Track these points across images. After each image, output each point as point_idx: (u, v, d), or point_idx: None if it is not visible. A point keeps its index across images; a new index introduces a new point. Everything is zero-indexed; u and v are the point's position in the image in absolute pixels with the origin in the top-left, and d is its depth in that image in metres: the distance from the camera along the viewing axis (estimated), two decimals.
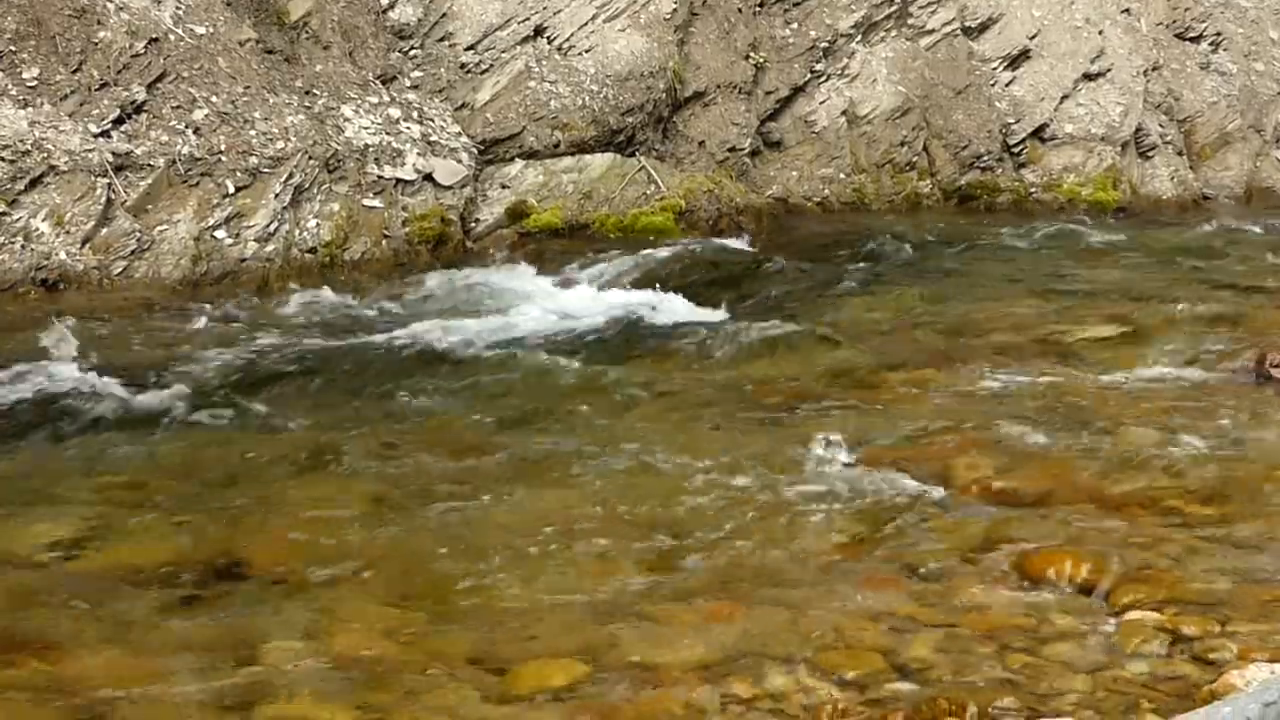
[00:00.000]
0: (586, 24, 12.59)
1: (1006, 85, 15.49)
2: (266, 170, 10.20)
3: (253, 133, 10.30)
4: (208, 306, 9.28)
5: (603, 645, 4.71)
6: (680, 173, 12.75)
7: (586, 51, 12.55)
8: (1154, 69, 16.66)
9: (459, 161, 11.38)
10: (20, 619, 4.90)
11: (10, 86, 9.60)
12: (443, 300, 9.89)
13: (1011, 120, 15.36)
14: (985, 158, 14.99)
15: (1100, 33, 16.06)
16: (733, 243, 11.78)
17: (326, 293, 9.75)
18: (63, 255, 9.28)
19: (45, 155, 9.38)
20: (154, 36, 10.26)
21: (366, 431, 6.98)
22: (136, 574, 5.28)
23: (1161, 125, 16.55)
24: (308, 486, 6.19)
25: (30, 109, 9.57)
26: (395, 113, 11.42)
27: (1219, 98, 17.28)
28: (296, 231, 10.26)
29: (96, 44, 10.02)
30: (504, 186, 11.83)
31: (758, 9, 14.14)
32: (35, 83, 9.70)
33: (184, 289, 9.56)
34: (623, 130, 12.44)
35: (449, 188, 11.24)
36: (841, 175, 14.10)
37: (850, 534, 5.68)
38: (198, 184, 9.96)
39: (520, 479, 6.29)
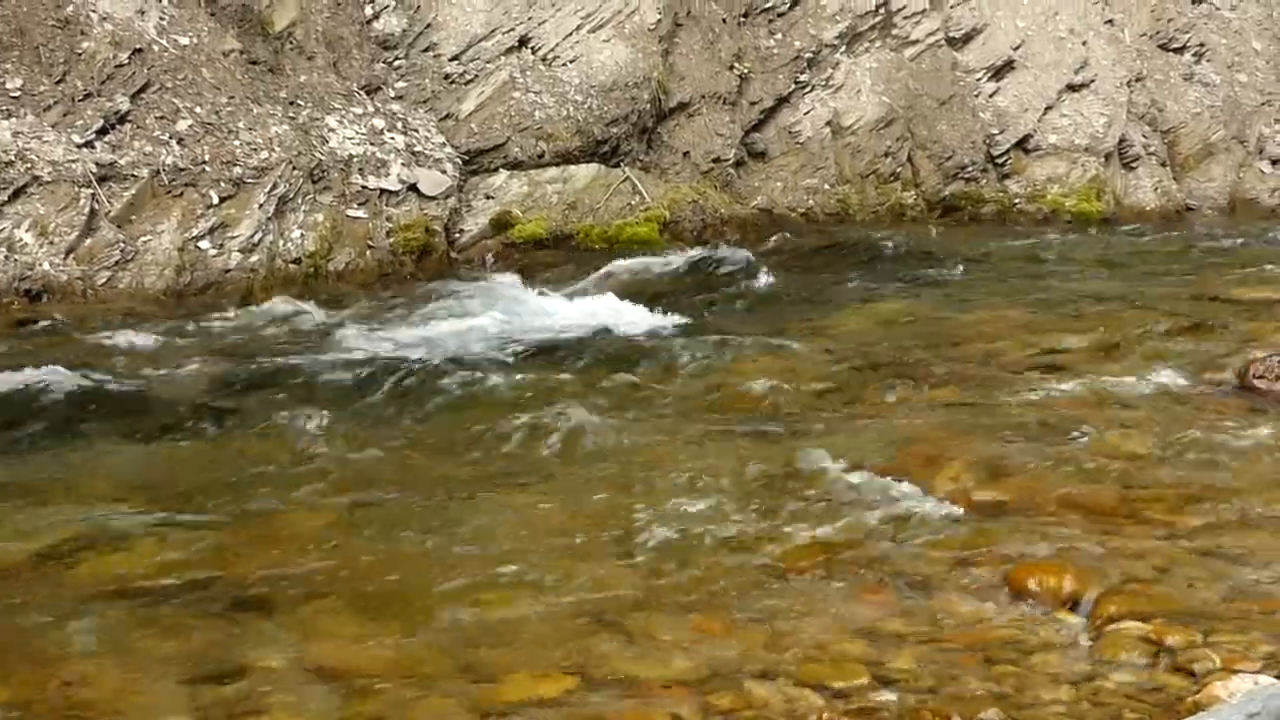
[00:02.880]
0: (571, 34, 12.61)
1: (990, 96, 15.53)
2: (251, 180, 10.19)
3: (237, 143, 10.29)
4: (191, 317, 9.26)
5: (588, 658, 4.70)
6: (665, 183, 12.76)
7: (571, 62, 12.56)
8: (1137, 80, 16.71)
9: (443, 172, 11.38)
10: (4, 630, 4.88)
11: None
12: (426, 311, 9.88)
13: (995, 131, 15.40)
14: (969, 168, 15.03)
15: (1084, 44, 16.12)
16: (717, 253, 11.78)
17: (310, 303, 9.74)
18: (46, 266, 9.26)
19: (29, 166, 9.37)
20: (138, 47, 10.25)
21: (349, 443, 6.97)
22: (120, 586, 5.26)
23: (1145, 136, 16.61)
24: (292, 498, 6.17)
25: (14, 119, 9.55)
26: (379, 123, 11.42)
27: (1202, 109, 17.34)
28: (281, 242, 10.25)
29: (80, 55, 10.01)
30: (488, 197, 11.84)
31: (742, 20, 14.17)
32: (19, 93, 9.69)
33: (168, 299, 9.55)
34: (607, 141, 12.44)
35: (433, 198, 11.24)
36: (826, 186, 14.12)
37: (833, 546, 5.67)
38: (182, 194, 9.95)
39: (503, 491, 6.28)
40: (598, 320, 9.66)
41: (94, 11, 10.20)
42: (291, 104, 11.00)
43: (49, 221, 9.34)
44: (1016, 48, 15.73)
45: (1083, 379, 8.21)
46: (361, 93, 11.63)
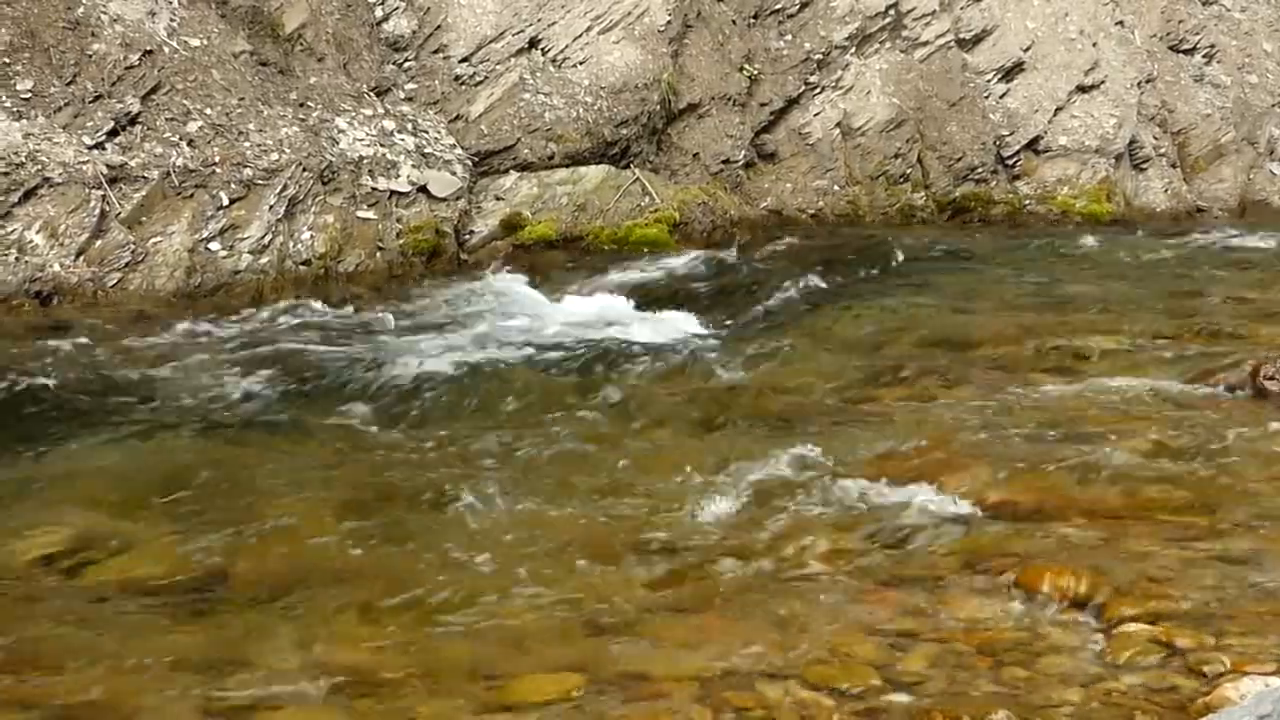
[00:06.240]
0: (581, 36, 12.60)
1: (1000, 97, 15.52)
2: (260, 182, 10.20)
3: (247, 144, 10.30)
4: (201, 318, 9.27)
5: (596, 658, 4.70)
6: (674, 184, 12.76)
7: (581, 63, 12.56)
8: (1148, 81, 16.69)
9: (453, 173, 11.39)
10: (11, 632, 4.89)
11: (4, 98, 9.59)
12: (435, 312, 9.89)
13: (1005, 132, 15.39)
14: (979, 170, 15.01)
15: (1094, 45, 16.09)
16: (726, 254, 11.78)
17: (320, 305, 9.74)
18: (56, 267, 9.27)
19: (39, 167, 9.38)
20: (148, 49, 10.26)
21: (358, 444, 6.98)
22: (129, 587, 5.27)
23: (1155, 137, 16.58)
24: (299, 499, 6.17)
25: (24, 121, 9.57)
26: (389, 124, 11.43)
27: (1212, 110, 17.32)
28: (290, 243, 10.26)
29: (91, 56, 10.02)
30: (498, 198, 11.84)
31: (752, 21, 14.16)
32: (29, 95, 9.70)
33: (178, 301, 9.55)
34: (617, 142, 12.44)
35: (443, 200, 11.24)
36: (835, 187, 14.11)
37: (843, 547, 5.67)
38: (192, 196, 9.96)
39: (512, 492, 6.28)
40: (607, 322, 9.66)
41: (105, 13, 10.21)
42: (301, 105, 11.01)
43: (59, 223, 9.35)
44: (1027, 49, 15.71)
45: (1093, 380, 8.20)
46: (371, 94, 11.64)
